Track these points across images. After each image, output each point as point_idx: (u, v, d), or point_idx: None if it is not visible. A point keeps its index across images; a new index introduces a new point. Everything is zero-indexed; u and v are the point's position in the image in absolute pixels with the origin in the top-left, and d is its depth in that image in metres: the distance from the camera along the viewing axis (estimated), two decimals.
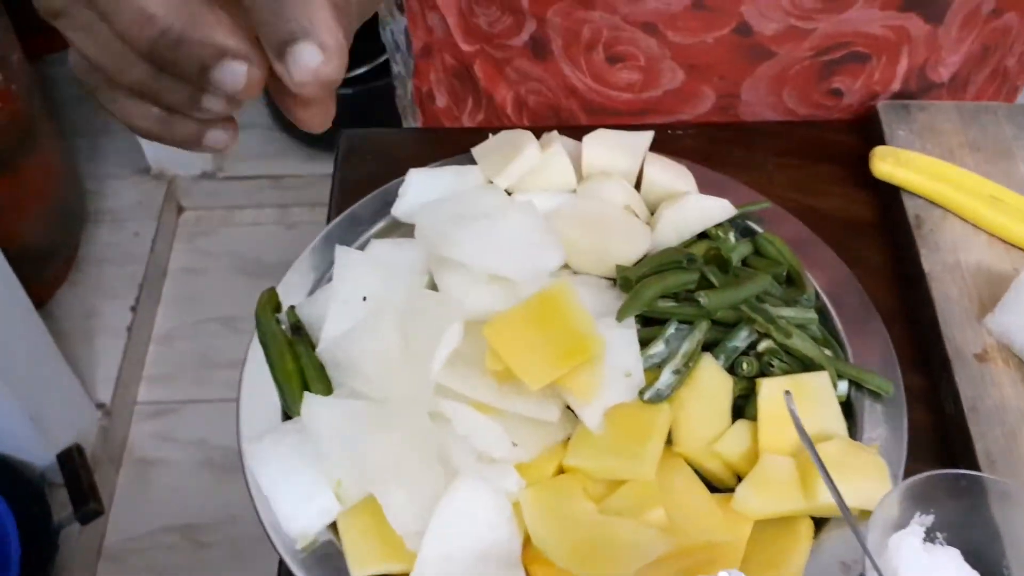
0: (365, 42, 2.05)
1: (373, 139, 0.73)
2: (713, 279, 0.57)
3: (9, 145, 1.50)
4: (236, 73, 0.34)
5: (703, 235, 0.62)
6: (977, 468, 0.55)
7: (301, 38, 0.34)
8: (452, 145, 0.67)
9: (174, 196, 1.95)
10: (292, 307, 0.59)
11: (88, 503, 1.38)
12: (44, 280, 1.68)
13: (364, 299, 0.55)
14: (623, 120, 0.73)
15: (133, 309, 1.74)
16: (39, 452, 1.46)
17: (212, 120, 0.38)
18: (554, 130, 0.66)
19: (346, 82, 1.91)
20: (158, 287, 1.85)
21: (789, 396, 0.50)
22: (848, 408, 0.56)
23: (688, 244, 0.61)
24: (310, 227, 1.94)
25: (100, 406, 1.60)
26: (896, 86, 0.72)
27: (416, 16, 0.82)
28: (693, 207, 0.61)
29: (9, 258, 1.35)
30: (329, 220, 0.66)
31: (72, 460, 1.42)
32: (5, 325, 1.35)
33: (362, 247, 0.62)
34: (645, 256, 0.60)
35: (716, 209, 0.61)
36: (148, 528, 1.56)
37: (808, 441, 0.47)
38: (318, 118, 0.38)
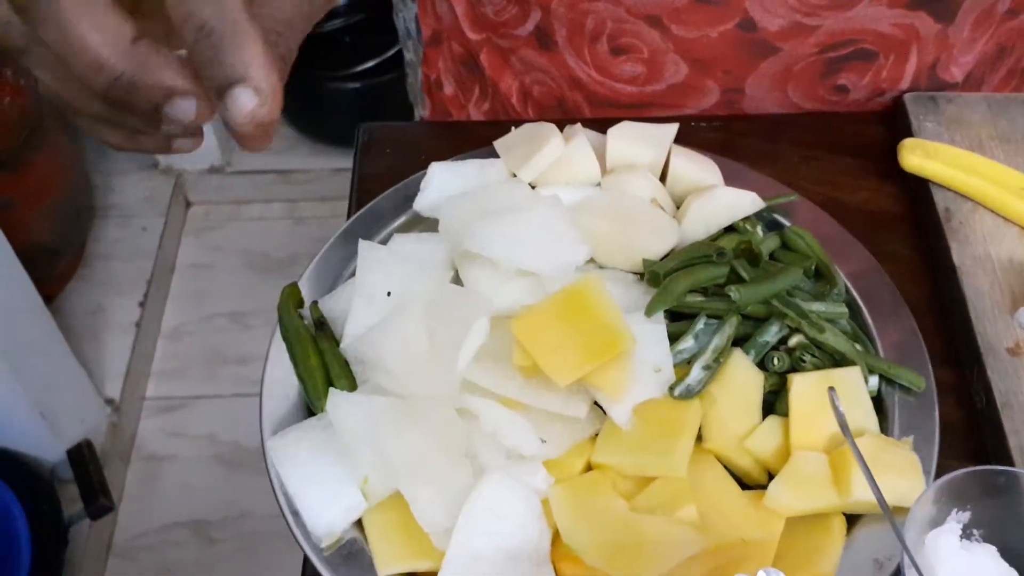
0: (374, 35, 2.04)
1: (392, 132, 0.73)
2: (743, 273, 0.56)
3: (19, 141, 1.49)
4: (186, 109, 0.39)
5: (730, 229, 0.61)
6: (1011, 464, 0.54)
7: (237, 83, 0.37)
8: (472, 138, 0.66)
9: (182, 191, 1.94)
10: (315, 302, 0.58)
11: (98, 499, 1.38)
12: (53, 276, 1.67)
13: (388, 294, 0.55)
14: (627, 113, 0.72)
15: (141, 304, 1.73)
16: (49, 448, 1.45)
17: (176, 133, 0.43)
18: (578, 123, 0.65)
19: (355, 76, 1.91)
20: (166, 282, 1.84)
21: (833, 392, 0.49)
22: (878, 403, 0.55)
23: (715, 237, 0.60)
24: (318, 222, 1.93)
25: (109, 402, 1.59)
26: (905, 85, 0.71)
27: (426, 4, 0.82)
28: (721, 200, 0.60)
29: (18, 254, 1.35)
30: (349, 214, 0.66)
31: (82, 456, 1.41)
32: (15, 321, 1.35)
33: (384, 241, 0.61)
34: (672, 250, 0.59)
35: (744, 202, 0.60)
36: (158, 524, 1.56)
37: (851, 439, 0.47)
38: (259, 143, 0.40)
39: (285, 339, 0.56)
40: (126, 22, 0.38)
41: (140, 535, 1.55)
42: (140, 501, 1.58)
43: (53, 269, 1.68)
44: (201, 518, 1.57)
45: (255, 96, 0.37)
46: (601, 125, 0.65)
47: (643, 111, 0.73)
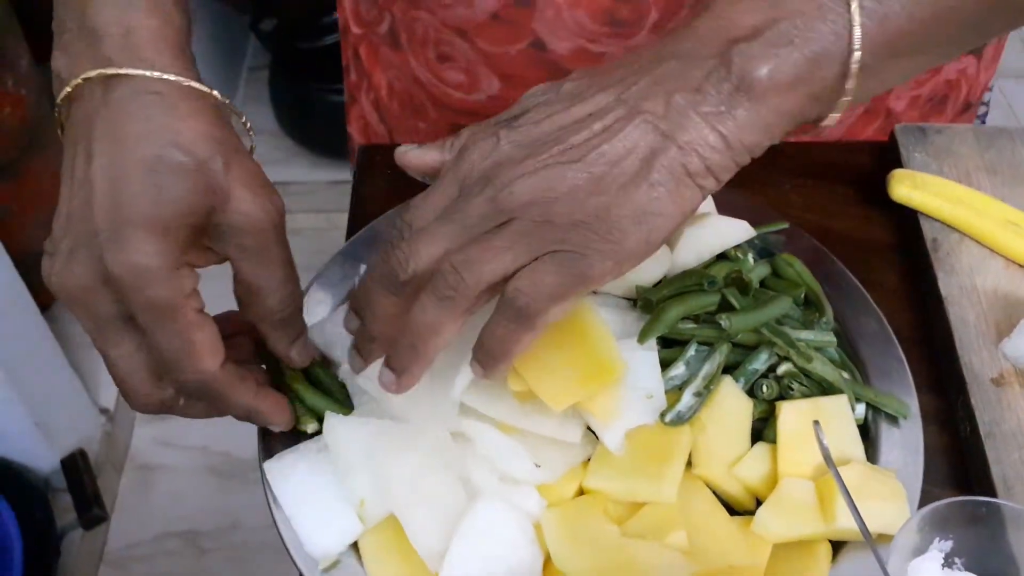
0: None
1: (390, 154, 0.73)
2: (734, 301, 0.57)
3: (18, 149, 1.50)
4: (269, 424, 0.53)
5: (722, 255, 0.62)
6: (993, 492, 0.55)
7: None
8: None
9: None
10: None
11: (92, 509, 1.38)
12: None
13: None
14: (463, 119, 0.75)
15: None
16: (43, 457, 1.46)
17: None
18: None
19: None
20: None
21: (818, 426, 0.50)
22: (864, 430, 0.56)
23: (707, 265, 0.61)
24: (315, 233, 1.94)
25: (103, 411, 1.60)
26: None
27: None
28: (713, 228, 0.61)
29: (15, 262, 1.36)
30: (348, 236, 0.67)
31: (76, 465, 1.42)
32: (12, 330, 1.35)
33: None
34: (664, 277, 0.60)
35: (736, 230, 0.62)
36: (150, 534, 1.56)
37: (836, 472, 0.48)
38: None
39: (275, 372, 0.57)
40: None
41: (132, 545, 1.55)
42: (132, 511, 1.58)
43: None
44: (193, 528, 1.57)
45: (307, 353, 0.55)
46: None
47: (473, 118, 0.74)
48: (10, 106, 1.46)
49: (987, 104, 0.84)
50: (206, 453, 1.65)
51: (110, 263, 0.43)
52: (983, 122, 0.85)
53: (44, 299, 1.52)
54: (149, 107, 0.45)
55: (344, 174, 0.76)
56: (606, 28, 0.65)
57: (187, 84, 0.46)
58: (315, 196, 1.97)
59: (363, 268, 0.61)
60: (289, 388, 0.55)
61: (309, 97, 1.94)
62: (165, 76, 0.45)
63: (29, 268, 1.40)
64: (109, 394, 1.62)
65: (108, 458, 1.57)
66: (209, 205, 0.45)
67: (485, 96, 0.73)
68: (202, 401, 0.50)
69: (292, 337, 0.52)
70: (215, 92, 0.48)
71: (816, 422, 0.51)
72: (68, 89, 0.46)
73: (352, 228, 0.68)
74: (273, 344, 0.52)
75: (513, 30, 0.67)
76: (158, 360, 0.47)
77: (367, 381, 0.52)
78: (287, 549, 0.51)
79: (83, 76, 0.45)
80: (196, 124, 0.45)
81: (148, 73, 0.45)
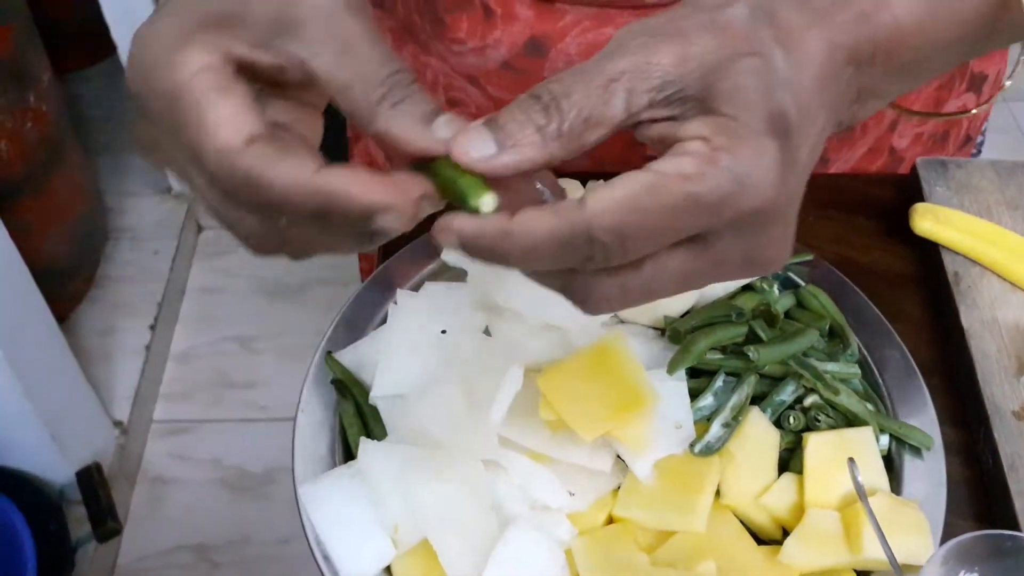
0: None
1: None
2: (761, 333, 0.58)
3: (38, 164, 1.51)
4: (392, 221, 0.36)
5: (747, 286, 0.63)
6: (1016, 525, 0.56)
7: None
8: None
9: (194, 215, 1.96)
10: (330, 354, 0.60)
11: (106, 522, 1.39)
12: (65, 297, 1.69)
13: (444, 332, 0.57)
14: None
15: (152, 327, 1.75)
16: (58, 469, 1.46)
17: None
18: (600, 179, 0.67)
19: None
20: (176, 306, 1.86)
21: (853, 463, 0.51)
22: (888, 461, 0.57)
23: (733, 296, 0.62)
24: None
25: (117, 424, 1.60)
26: None
27: None
28: None
29: (33, 275, 1.37)
30: (378, 263, 0.68)
31: (91, 478, 1.43)
32: (29, 343, 1.36)
33: (413, 289, 0.63)
34: (692, 307, 0.61)
35: None
36: (162, 547, 1.56)
37: (867, 505, 0.49)
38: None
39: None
40: (308, 159, 0.35)
41: (144, 557, 1.55)
42: (145, 524, 1.59)
43: (66, 290, 1.69)
44: (204, 542, 1.58)
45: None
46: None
47: None
48: (31, 121, 1.48)
49: (983, 134, 0.85)
50: (218, 467, 1.65)
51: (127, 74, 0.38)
52: (979, 152, 0.86)
53: (60, 311, 1.53)
54: None
55: None
56: None
57: None
58: None
59: (398, 293, 0.61)
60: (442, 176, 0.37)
61: (329, 111, 1.95)
62: None
63: (46, 281, 1.41)
64: (123, 407, 1.63)
65: (121, 471, 1.58)
66: None
67: None
68: (253, 205, 0.37)
69: (420, 117, 0.37)
70: None
71: (851, 459, 0.52)
72: None
73: (382, 256, 0.69)
74: (406, 134, 0.36)
75: (524, 79, 0.68)
76: (188, 167, 0.38)
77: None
78: (321, 572, 0.51)
79: None
80: None
81: None
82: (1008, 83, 0.65)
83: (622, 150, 0.73)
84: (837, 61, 0.37)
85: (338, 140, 0.90)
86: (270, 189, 0.35)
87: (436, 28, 0.69)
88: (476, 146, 0.35)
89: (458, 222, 0.35)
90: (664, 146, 0.37)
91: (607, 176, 0.66)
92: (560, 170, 0.73)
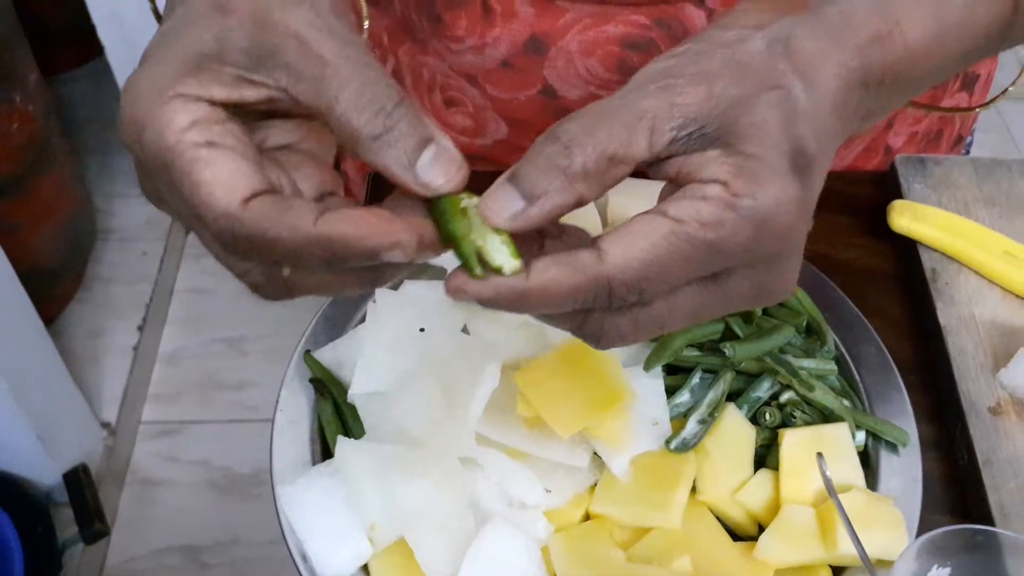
0: None
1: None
2: (738, 330, 0.58)
3: (25, 165, 1.51)
4: (399, 256, 0.35)
5: None
6: (990, 520, 0.56)
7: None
8: (477, 189, 0.68)
9: None
10: (308, 352, 0.60)
11: (93, 523, 1.39)
12: (52, 298, 1.69)
13: (422, 330, 0.57)
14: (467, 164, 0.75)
15: (140, 328, 1.75)
16: (45, 470, 1.46)
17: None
18: None
19: None
20: (165, 307, 1.86)
21: (822, 459, 0.51)
22: (865, 457, 0.58)
23: None
24: None
25: (105, 425, 1.60)
26: None
27: None
28: None
29: (20, 276, 1.37)
30: None
31: (78, 480, 1.42)
32: (16, 344, 1.36)
33: (393, 287, 0.63)
34: None
35: None
36: (150, 548, 1.56)
37: (838, 502, 0.49)
38: None
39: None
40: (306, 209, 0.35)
41: (132, 559, 1.55)
42: (133, 525, 1.59)
43: (53, 291, 1.69)
44: (193, 543, 1.57)
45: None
46: None
47: (475, 163, 0.76)
48: (18, 122, 1.48)
49: (973, 134, 0.86)
50: (207, 468, 1.65)
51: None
52: (968, 151, 0.86)
53: (47, 312, 1.53)
54: None
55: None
56: (617, 76, 0.67)
57: None
58: None
59: (377, 291, 0.61)
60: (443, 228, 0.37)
61: None
62: None
63: (33, 282, 1.41)
64: (111, 408, 1.63)
65: (109, 472, 1.58)
66: (223, 25, 0.36)
67: (492, 141, 0.74)
68: (259, 259, 0.36)
69: (408, 153, 0.35)
70: None
71: (820, 454, 0.52)
72: None
73: None
74: (389, 171, 0.36)
75: (523, 77, 0.68)
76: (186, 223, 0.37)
77: None
78: (299, 571, 0.52)
79: None
80: None
81: None
82: (1011, 89, 0.66)
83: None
84: (851, 86, 0.38)
85: None
86: (274, 246, 0.35)
87: (434, 26, 0.69)
88: (504, 206, 0.35)
89: (473, 287, 0.35)
90: (678, 183, 0.37)
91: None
92: None
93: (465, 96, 0.72)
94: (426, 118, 0.36)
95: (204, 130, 0.35)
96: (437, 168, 0.36)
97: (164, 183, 0.36)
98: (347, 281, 0.37)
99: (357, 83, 0.35)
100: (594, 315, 0.37)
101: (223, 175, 0.35)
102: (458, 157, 0.36)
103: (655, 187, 0.66)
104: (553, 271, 0.35)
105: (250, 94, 0.36)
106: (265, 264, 0.37)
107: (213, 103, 0.36)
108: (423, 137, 0.36)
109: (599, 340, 0.38)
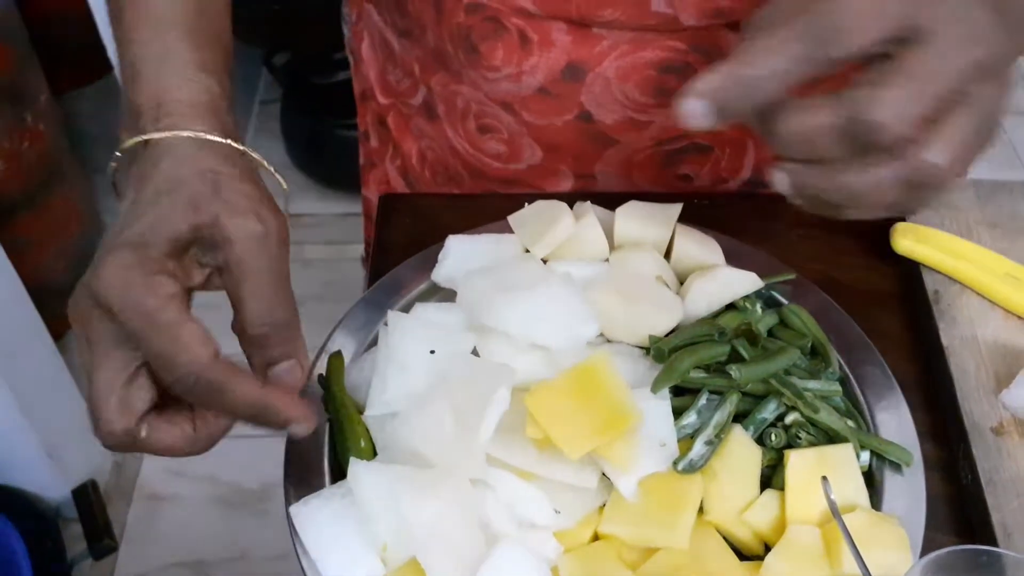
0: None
1: (410, 202, 0.76)
2: (744, 352, 0.59)
3: (36, 183, 1.53)
4: (288, 424, 0.51)
5: (730, 305, 0.64)
6: (994, 539, 0.57)
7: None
8: (488, 211, 0.70)
9: None
10: (321, 375, 0.61)
11: (103, 539, 1.40)
12: (62, 315, 1.69)
13: (432, 352, 0.58)
14: (498, 187, 0.79)
15: None
16: (54, 486, 1.47)
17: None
18: (587, 200, 0.68)
19: None
20: None
21: (826, 482, 0.52)
22: (869, 477, 0.58)
23: (716, 315, 0.63)
24: (325, 264, 1.96)
25: None
26: (746, 174, 0.76)
27: (357, 65, 0.88)
28: (723, 280, 0.63)
29: (30, 293, 1.38)
30: (369, 283, 0.69)
31: (87, 496, 1.43)
32: (26, 361, 1.37)
33: (404, 309, 0.64)
34: (677, 326, 0.62)
35: (744, 282, 0.64)
36: (158, 564, 1.57)
37: (842, 522, 0.50)
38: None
39: (332, 412, 0.58)
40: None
41: (140, 575, 1.56)
42: (141, 541, 1.60)
43: (62, 308, 1.70)
44: (200, 558, 1.58)
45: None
46: (610, 202, 0.68)
47: (510, 187, 0.78)
48: (29, 140, 1.50)
49: None
50: (214, 483, 1.66)
51: (96, 281, 0.47)
52: None
53: (57, 330, 1.54)
54: (165, 159, 0.50)
55: (355, 206, 0.80)
56: (654, 100, 0.68)
57: (200, 137, 0.51)
58: (325, 228, 2.00)
59: (389, 314, 0.62)
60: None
61: (321, 131, 1.97)
62: (181, 134, 0.51)
63: (44, 299, 1.42)
64: None
65: (117, 488, 1.59)
66: (195, 223, 0.48)
67: (526, 165, 0.75)
68: (203, 402, 0.49)
69: (267, 358, 0.50)
70: (231, 142, 0.52)
71: (824, 478, 0.53)
72: (119, 152, 0.52)
73: (374, 276, 0.70)
74: (251, 362, 0.51)
75: (560, 103, 0.70)
76: (155, 366, 0.48)
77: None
78: None
79: (128, 143, 0.52)
80: (197, 163, 0.50)
81: (168, 135, 0.51)
82: None
83: (655, 172, 0.74)
84: None
85: (354, 167, 0.94)
86: (224, 395, 0.47)
87: (470, 56, 0.71)
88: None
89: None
90: None
91: (640, 197, 0.69)
92: (590, 191, 0.75)
93: (500, 123, 0.73)
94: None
95: (182, 303, 0.48)
96: (288, 376, 0.51)
97: (134, 329, 0.46)
98: (259, 426, 0.51)
99: (262, 298, 0.50)
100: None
101: (199, 336, 0.47)
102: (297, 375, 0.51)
103: (660, 209, 0.67)
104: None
105: (202, 278, 0.51)
106: (206, 407, 0.50)
107: (186, 285, 0.49)
108: (284, 354, 0.51)
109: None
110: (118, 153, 0.52)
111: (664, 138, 0.72)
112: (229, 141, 0.52)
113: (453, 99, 0.75)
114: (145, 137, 0.51)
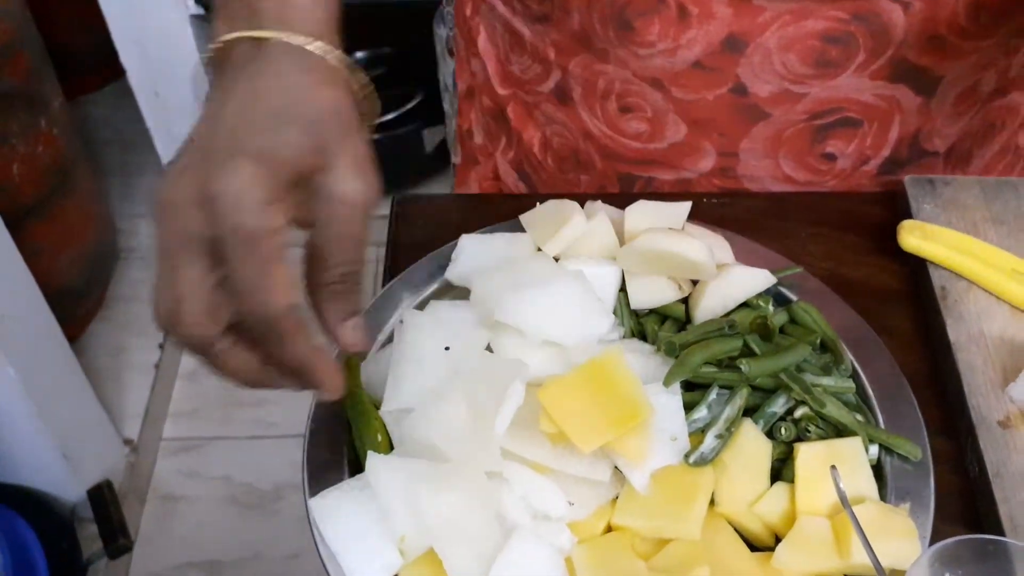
0: (393, 89, 2.08)
1: (423, 204, 0.77)
2: (755, 347, 0.60)
3: (50, 187, 1.54)
4: (318, 387, 0.51)
5: (743, 303, 0.65)
6: (1001, 531, 0.58)
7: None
8: (500, 211, 0.71)
9: None
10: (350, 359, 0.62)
11: (118, 539, 1.41)
12: (76, 317, 1.72)
13: (447, 349, 0.59)
14: (634, 168, 0.79)
15: (161, 346, 1.78)
16: (69, 487, 1.49)
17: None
18: (598, 200, 0.70)
19: (374, 128, 1.97)
20: None
21: (836, 472, 0.53)
22: (878, 470, 0.59)
23: (730, 313, 0.64)
24: None
25: (128, 442, 1.63)
26: (887, 152, 0.75)
27: (462, 61, 0.89)
28: (735, 279, 0.64)
29: (45, 296, 1.39)
30: (384, 282, 0.70)
31: (103, 496, 1.45)
32: (41, 363, 1.39)
33: (418, 308, 0.65)
34: (690, 323, 0.63)
35: (758, 279, 0.65)
36: (172, 564, 1.58)
37: (851, 512, 0.51)
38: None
39: (349, 408, 0.59)
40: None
41: (155, 574, 1.57)
42: (155, 541, 1.61)
43: (77, 311, 1.72)
44: (215, 559, 1.59)
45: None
46: (619, 201, 0.69)
47: (647, 168, 0.79)
48: (43, 145, 1.51)
49: None
50: (228, 484, 1.67)
51: (213, 182, 0.45)
52: None
53: (71, 331, 1.56)
54: (289, 68, 0.48)
55: (381, 209, 0.81)
56: (813, 70, 0.69)
57: (326, 56, 0.49)
58: None
59: (404, 311, 0.64)
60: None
61: None
62: (308, 46, 0.49)
63: (57, 301, 1.43)
64: (133, 425, 1.66)
65: (132, 488, 1.60)
66: (315, 164, 0.48)
67: (667, 144, 0.76)
68: (259, 344, 0.49)
69: (345, 314, 0.51)
70: (347, 69, 0.51)
71: (833, 467, 0.54)
72: (221, 43, 0.50)
73: (388, 275, 0.71)
74: (325, 317, 0.51)
75: (715, 77, 0.70)
76: (232, 288, 0.47)
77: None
78: None
79: (239, 34, 0.49)
80: (326, 92, 0.48)
81: (294, 40, 0.49)
82: None
83: (802, 148, 0.75)
84: None
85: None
86: (283, 346, 0.48)
87: (622, 33, 0.71)
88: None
89: None
90: None
91: (649, 197, 0.69)
92: (569, 192, 0.76)
93: (644, 101, 0.74)
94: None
95: (283, 236, 0.47)
96: (356, 334, 0.52)
97: (232, 245, 0.46)
98: (290, 384, 0.51)
99: (353, 258, 0.50)
100: None
101: (288, 280, 0.47)
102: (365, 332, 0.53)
103: (670, 207, 0.68)
104: None
105: (297, 214, 0.49)
106: (255, 351, 0.49)
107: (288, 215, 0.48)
108: (357, 310, 0.52)
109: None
110: (222, 41, 0.50)
111: (818, 111, 0.72)
112: (346, 68, 0.51)
113: (594, 80, 0.75)
114: (268, 34, 0.49)
